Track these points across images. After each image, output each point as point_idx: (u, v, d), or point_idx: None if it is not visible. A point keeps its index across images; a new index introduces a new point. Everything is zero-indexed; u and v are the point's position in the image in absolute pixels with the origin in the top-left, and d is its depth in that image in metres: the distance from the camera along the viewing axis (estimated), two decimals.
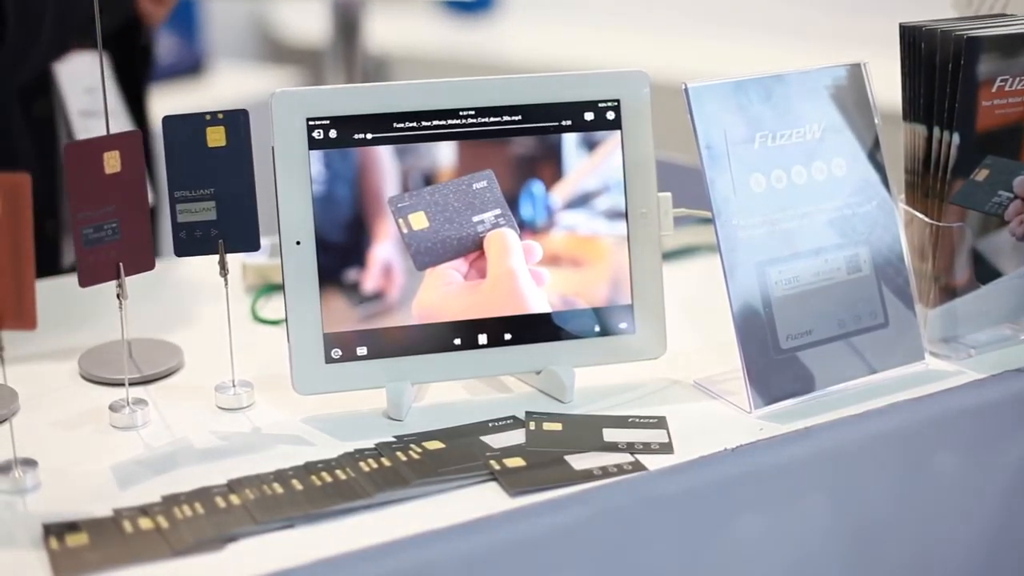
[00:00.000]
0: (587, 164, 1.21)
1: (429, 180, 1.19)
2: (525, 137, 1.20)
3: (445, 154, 1.19)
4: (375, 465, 1.08)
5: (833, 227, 1.22)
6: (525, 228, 1.20)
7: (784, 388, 1.18)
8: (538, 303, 1.20)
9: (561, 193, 1.21)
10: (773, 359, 1.18)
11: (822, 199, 1.22)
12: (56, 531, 0.99)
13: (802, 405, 1.18)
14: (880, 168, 1.25)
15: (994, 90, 1.24)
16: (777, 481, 1.11)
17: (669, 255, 1.48)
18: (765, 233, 1.19)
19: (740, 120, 1.19)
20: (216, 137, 1.14)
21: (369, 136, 1.18)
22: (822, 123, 1.23)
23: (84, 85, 1.63)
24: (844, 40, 3.13)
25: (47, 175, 1.63)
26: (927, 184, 1.28)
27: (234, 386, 1.20)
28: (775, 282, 1.19)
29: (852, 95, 1.24)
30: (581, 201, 1.21)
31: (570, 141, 1.21)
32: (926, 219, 1.27)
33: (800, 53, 3.16)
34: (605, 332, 1.22)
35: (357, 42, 3.12)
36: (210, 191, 1.14)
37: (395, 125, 1.18)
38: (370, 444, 1.12)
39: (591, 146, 1.22)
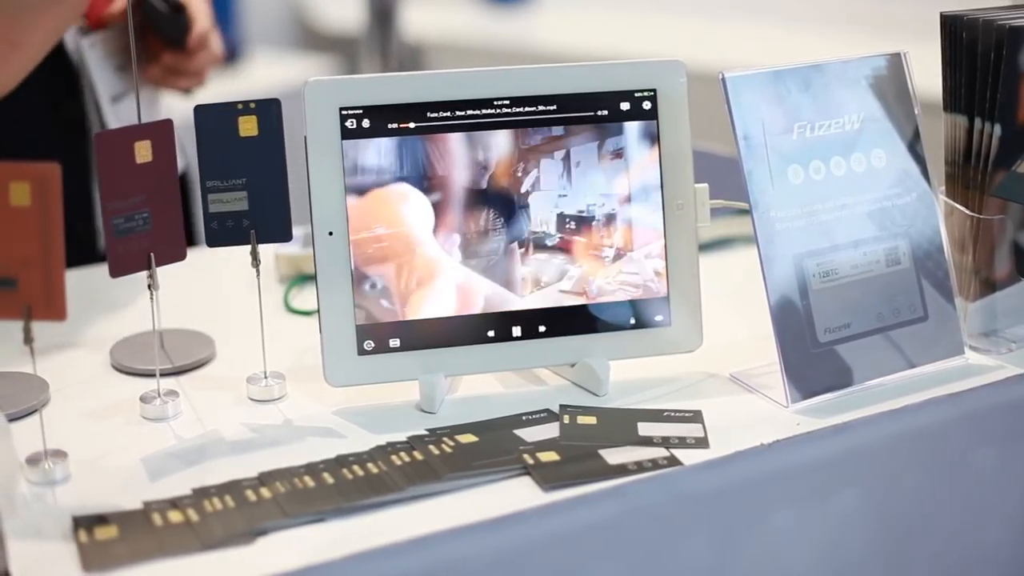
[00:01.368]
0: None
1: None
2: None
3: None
4: (407, 458, 1.08)
5: (872, 219, 1.20)
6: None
7: (821, 382, 1.16)
8: None
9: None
10: (811, 352, 1.17)
11: (861, 191, 1.20)
12: (85, 524, 0.99)
13: (840, 400, 1.16)
14: (920, 160, 1.23)
15: None
16: (813, 477, 1.10)
17: (706, 247, 1.47)
18: (803, 225, 1.18)
19: (778, 110, 1.18)
20: (248, 127, 1.13)
21: (406, 126, 1.17)
22: (861, 114, 1.21)
23: (114, 64, 1.60)
24: (884, 29, 3.11)
25: (79, 178, 1.60)
26: (968, 176, 1.26)
27: (266, 378, 1.19)
28: (813, 275, 1.18)
29: (892, 85, 1.22)
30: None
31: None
32: (967, 211, 1.26)
33: (839, 42, 3.14)
34: (641, 324, 1.21)
35: (392, 30, 3.12)
36: (242, 181, 1.13)
37: (429, 115, 1.17)
38: (402, 437, 1.11)
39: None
